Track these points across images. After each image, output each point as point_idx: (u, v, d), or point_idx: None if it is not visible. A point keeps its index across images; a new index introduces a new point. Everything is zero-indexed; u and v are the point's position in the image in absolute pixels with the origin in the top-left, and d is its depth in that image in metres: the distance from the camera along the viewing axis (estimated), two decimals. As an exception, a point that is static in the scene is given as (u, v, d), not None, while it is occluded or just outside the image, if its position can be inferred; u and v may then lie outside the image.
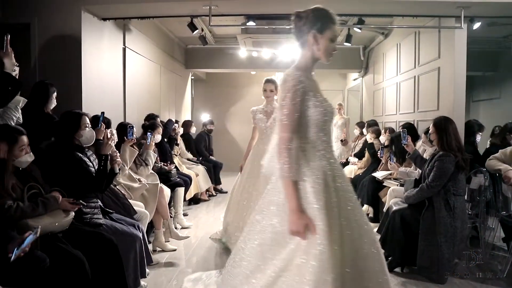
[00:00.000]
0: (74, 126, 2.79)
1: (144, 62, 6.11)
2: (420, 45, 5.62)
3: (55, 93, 3.35)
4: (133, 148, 3.90)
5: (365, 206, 5.23)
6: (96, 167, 2.91)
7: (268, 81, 4.06)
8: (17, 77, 2.69)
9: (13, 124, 2.66)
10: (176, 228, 4.59)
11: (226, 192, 7.31)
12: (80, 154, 2.79)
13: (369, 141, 5.76)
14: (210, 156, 7.02)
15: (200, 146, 6.95)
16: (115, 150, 3.05)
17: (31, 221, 2.14)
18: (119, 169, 3.06)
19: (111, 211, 2.95)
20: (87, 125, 2.85)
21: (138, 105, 5.82)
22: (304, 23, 1.88)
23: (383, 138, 5.29)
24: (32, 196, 2.26)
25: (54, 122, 3.13)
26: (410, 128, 4.51)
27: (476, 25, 4.74)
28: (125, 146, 3.70)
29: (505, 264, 3.26)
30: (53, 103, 3.35)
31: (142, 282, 2.89)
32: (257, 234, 1.79)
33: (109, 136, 3.01)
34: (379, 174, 4.72)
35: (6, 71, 2.61)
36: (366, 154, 5.79)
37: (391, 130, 5.19)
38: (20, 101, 2.73)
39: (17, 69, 2.70)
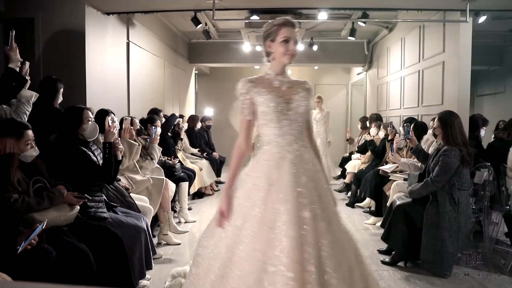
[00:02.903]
0: (77, 121, 2.81)
1: (147, 56, 6.11)
2: (424, 39, 5.58)
3: (62, 88, 3.36)
4: (137, 141, 3.91)
5: (367, 200, 5.25)
6: (101, 162, 2.93)
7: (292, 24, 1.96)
8: (27, 74, 2.71)
9: (25, 118, 2.69)
10: (180, 222, 4.63)
11: (224, 183, 7.33)
12: (84, 149, 2.81)
13: (372, 135, 5.76)
14: (213, 153, 7.03)
15: (200, 143, 6.96)
16: (117, 137, 3.07)
17: (37, 215, 2.17)
18: (122, 157, 3.09)
19: (116, 204, 2.97)
20: (90, 118, 2.87)
21: (141, 99, 5.83)
22: None
23: (382, 133, 5.32)
24: (37, 190, 2.28)
25: (60, 118, 3.15)
26: (419, 124, 4.50)
27: (482, 19, 4.70)
28: (133, 139, 3.73)
29: (508, 259, 3.26)
30: (60, 98, 3.36)
31: (147, 275, 2.92)
32: None
33: (110, 124, 3.04)
34: (386, 167, 4.72)
35: (10, 66, 2.62)
36: (370, 149, 5.80)
37: (389, 125, 5.17)
38: (33, 95, 2.75)
39: (27, 65, 2.71)
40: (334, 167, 7.54)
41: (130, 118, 3.96)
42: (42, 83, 3.27)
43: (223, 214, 1.93)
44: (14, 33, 2.66)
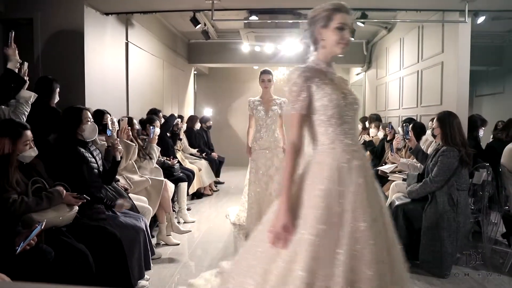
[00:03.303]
0: (76, 121, 2.81)
1: (146, 57, 6.11)
2: (423, 39, 5.59)
3: (58, 88, 3.36)
4: (134, 141, 3.91)
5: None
6: (99, 162, 2.94)
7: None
8: (26, 74, 2.70)
9: (24, 118, 2.68)
10: (179, 222, 4.62)
11: (223, 183, 7.35)
12: (83, 150, 2.81)
13: (372, 135, 5.77)
14: (212, 153, 7.04)
15: (199, 143, 6.97)
16: (116, 138, 3.08)
17: (36, 215, 2.16)
18: (121, 157, 3.10)
19: (119, 198, 2.97)
20: (89, 119, 2.87)
21: (141, 100, 5.83)
22: None
23: (381, 134, 5.32)
24: (36, 191, 2.28)
25: (58, 118, 3.15)
26: (418, 125, 4.50)
27: (481, 19, 4.71)
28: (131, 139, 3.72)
29: (507, 259, 3.27)
30: (57, 98, 3.37)
31: (146, 275, 2.92)
32: None
33: (110, 128, 3.06)
34: (385, 167, 4.73)
35: (9, 67, 2.62)
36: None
37: (387, 126, 5.18)
38: (31, 96, 2.75)
39: (25, 65, 2.71)
40: None
41: (127, 118, 3.96)
42: (38, 83, 3.27)
43: (288, 229, 1.58)
44: (13, 34, 2.66)
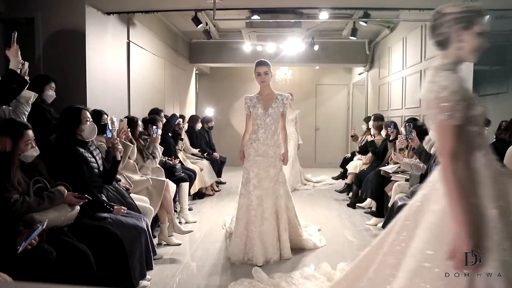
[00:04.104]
0: (75, 121, 2.80)
1: (148, 56, 6.10)
2: (426, 38, 5.56)
3: (53, 84, 3.30)
4: (133, 142, 3.90)
5: (368, 200, 5.23)
6: (99, 162, 2.93)
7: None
8: (26, 74, 2.69)
9: (25, 118, 2.68)
10: (180, 223, 4.61)
11: (225, 183, 7.34)
12: (82, 150, 2.80)
13: (372, 137, 5.75)
14: (214, 153, 7.03)
15: (201, 143, 6.97)
16: (116, 137, 3.07)
17: (37, 215, 2.16)
18: (121, 157, 3.10)
19: (116, 205, 2.96)
20: (88, 119, 2.86)
21: (142, 99, 5.82)
22: None
23: (383, 133, 5.30)
24: (37, 190, 2.28)
25: (55, 118, 3.13)
26: (418, 125, 4.48)
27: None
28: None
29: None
30: (50, 95, 3.29)
31: (148, 275, 2.91)
32: None
33: (110, 128, 3.05)
34: (388, 168, 4.71)
35: (11, 68, 2.61)
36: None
37: (389, 125, 5.16)
38: (31, 96, 2.74)
39: (26, 65, 2.70)
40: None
41: (126, 119, 3.96)
42: (32, 82, 3.22)
43: (477, 252, 1.52)
44: (16, 35, 2.65)
